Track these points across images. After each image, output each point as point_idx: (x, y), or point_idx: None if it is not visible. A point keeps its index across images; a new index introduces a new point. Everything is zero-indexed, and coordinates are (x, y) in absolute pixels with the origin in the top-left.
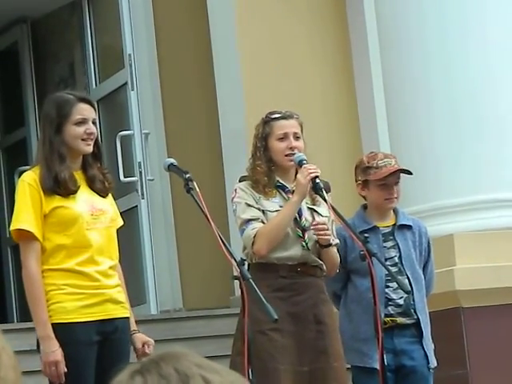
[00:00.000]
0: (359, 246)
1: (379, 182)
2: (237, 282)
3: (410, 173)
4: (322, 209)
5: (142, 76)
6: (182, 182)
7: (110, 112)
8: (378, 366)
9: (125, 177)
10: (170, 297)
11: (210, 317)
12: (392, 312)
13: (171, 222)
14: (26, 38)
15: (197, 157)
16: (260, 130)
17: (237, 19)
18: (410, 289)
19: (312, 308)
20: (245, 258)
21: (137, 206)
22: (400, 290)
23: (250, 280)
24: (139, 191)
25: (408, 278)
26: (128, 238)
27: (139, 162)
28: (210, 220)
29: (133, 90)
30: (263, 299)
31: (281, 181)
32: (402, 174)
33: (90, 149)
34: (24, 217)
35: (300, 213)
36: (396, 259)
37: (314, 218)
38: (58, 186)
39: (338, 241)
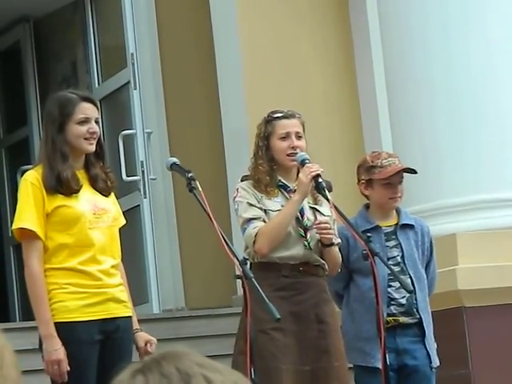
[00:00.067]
0: (362, 246)
1: (383, 181)
2: (239, 281)
3: (414, 172)
4: (324, 208)
5: (145, 75)
6: (184, 181)
7: (112, 111)
8: (380, 365)
9: (127, 176)
10: (173, 296)
11: (212, 316)
12: (394, 311)
13: (173, 221)
14: (29, 37)
15: (199, 156)
16: (262, 130)
17: (239, 18)
18: (412, 288)
19: (314, 307)
20: (247, 257)
21: (139, 205)
22: (402, 290)
23: (253, 279)
24: (141, 190)
25: (410, 277)
26: (130, 237)
27: (141, 161)
28: (213, 219)
29: (135, 89)
30: (265, 298)
31: (283, 180)
32: (404, 174)
33: (92, 148)
34: (26, 216)
35: (302, 212)
36: (398, 259)
37: (316, 218)
38: (60, 185)
39: (339, 240)
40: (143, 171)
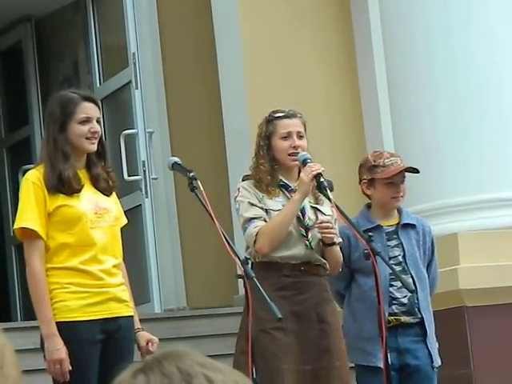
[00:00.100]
0: (363, 245)
1: (386, 180)
2: (240, 281)
3: (417, 171)
4: (326, 208)
5: (146, 75)
6: (185, 181)
7: (114, 111)
8: (381, 364)
9: (129, 175)
10: (174, 295)
11: (213, 315)
12: (396, 311)
13: (175, 221)
14: (30, 37)
15: (201, 155)
16: (263, 129)
17: (240, 18)
18: (413, 288)
19: (315, 307)
20: (248, 256)
21: (141, 205)
22: (404, 289)
23: (254, 279)
24: (143, 190)
25: (412, 276)
26: (132, 237)
27: (143, 161)
28: (214, 219)
29: (137, 88)
30: (267, 298)
31: (284, 180)
32: (406, 173)
33: (94, 147)
34: (28, 215)
35: (303, 212)
36: (400, 258)
37: (317, 217)
38: (62, 185)
39: (341, 239)
40: (145, 171)
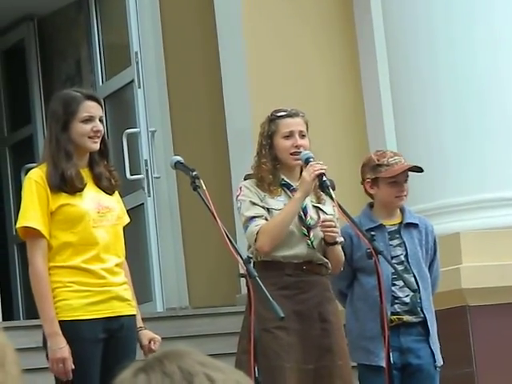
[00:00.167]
0: (365, 244)
1: (390, 179)
2: (243, 280)
3: (421, 170)
4: (327, 207)
5: (149, 74)
6: (188, 180)
7: (116, 110)
8: (384, 364)
9: (131, 174)
10: (176, 294)
11: (215, 315)
12: (398, 310)
13: (177, 220)
14: (33, 36)
15: (203, 154)
16: (265, 128)
17: (244, 18)
18: (416, 287)
19: (317, 306)
20: (251, 255)
21: (143, 204)
22: (406, 288)
23: (257, 278)
24: (145, 189)
25: (414, 276)
26: (134, 236)
27: (146, 160)
28: (217, 218)
29: (139, 87)
30: (269, 297)
31: (286, 179)
32: (408, 172)
33: (96, 146)
34: (31, 214)
35: (305, 211)
36: (402, 257)
37: (319, 217)
38: (64, 184)
39: (342, 239)
40: (147, 170)
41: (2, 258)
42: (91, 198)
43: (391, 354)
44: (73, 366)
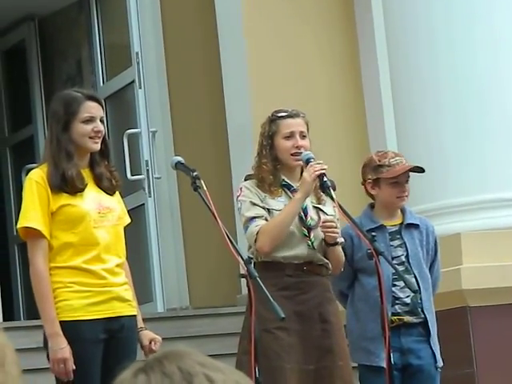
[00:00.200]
0: (366, 245)
1: (391, 180)
2: (243, 281)
3: (422, 170)
4: (328, 208)
5: (150, 74)
6: (189, 180)
7: (117, 110)
8: (384, 364)
9: (132, 175)
10: (177, 295)
11: (216, 315)
12: (399, 311)
13: (178, 220)
14: (34, 36)
15: (204, 155)
16: (266, 129)
17: (244, 17)
18: (417, 287)
19: (317, 307)
20: (251, 256)
21: (144, 204)
22: (407, 289)
23: (257, 278)
24: (146, 189)
25: (415, 276)
26: (135, 236)
27: (146, 160)
28: (217, 218)
29: (140, 88)
30: (270, 297)
31: (286, 180)
32: (409, 173)
33: (97, 147)
34: (31, 215)
35: (306, 212)
36: (403, 258)
37: (319, 217)
38: (65, 184)
39: (343, 239)
40: (148, 170)
41: (3, 258)
42: (92, 199)
43: (392, 355)
44: (74, 367)
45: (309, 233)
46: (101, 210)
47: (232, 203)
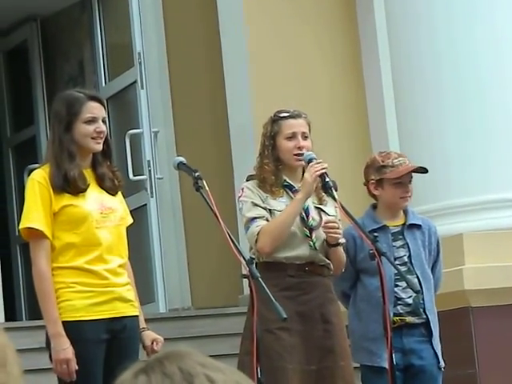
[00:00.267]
0: (368, 245)
1: (395, 180)
2: (245, 281)
3: (426, 171)
4: (329, 208)
5: (152, 74)
6: (191, 181)
7: (119, 110)
8: (386, 365)
9: (134, 175)
10: (179, 295)
11: (218, 315)
12: (401, 311)
13: (180, 221)
14: (36, 36)
15: (206, 155)
16: (268, 129)
17: (246, 18)
18: (419, 288)
19: (319, 307)
20: (253, 256)
21: (146, 205)
22: (409, 289)
23: (259, 279)
24: (148, 189)
25: (417, 277)
26: (137, 237)
27: (148, 161)
28: (219, 218)
29: (142, 88)
30: (272, 298)
31: (288, 180)
32: (412, 173)
33: (99, 147)
34: (34, 215)
35: (307, 212)
36: (405, 258)
37: (321, 218)
38: (67, 185)
39: (344, 240)
40: (150, 170)
41: (5, 258)
42: (94, 199)
43: (394, 355)
44: (76, 367)
45: (310, 233)
46: (103, 211)
47: (234, 203)
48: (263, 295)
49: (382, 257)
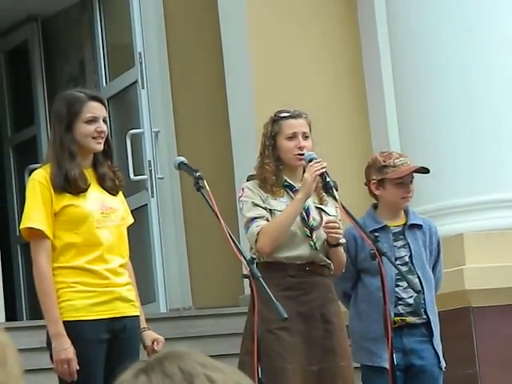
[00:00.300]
0: (369, 245)
1: (397, 180)
2: (246, 281)
3: (427, 171)
4: (330, 208)
5: (152, 74)
6: (191, 181)
7: (120, 110)
8: (387, 365)
9: (135, 175)
10: (180, 295)
11: (219, 315)
12: (402, 311)
13: (181, 221)
14: (37, 37)
15: (207, 155)
16: (269, 129)
17: (248, 18)
18: (420, 288)
19: (319, 307)
20: (254, 256)
21: (146, 205)
22: (410, 289)
23: (260, 279)
24: (149, 189)
25: (418, 277)
26: (138, 237)
27: (149, 161)
28: (220, 218)
29: (143, 88)
30: (273, 298)
31: (288, 180)
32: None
33: (100, 147)
34: (34, 215)
35: (308, 212)
36: (406, 258)
37: (321, 218)
38: (68, 184)
39: (344, 240)
40: (151, 170)
41: (6, 258)
42: (95, 199)
43: (394, 355)
44: (77, 367)
45: (311, 233)
46: (104, 211)
47: (235, 203)
48: (264, 295)
49: (383, 257)
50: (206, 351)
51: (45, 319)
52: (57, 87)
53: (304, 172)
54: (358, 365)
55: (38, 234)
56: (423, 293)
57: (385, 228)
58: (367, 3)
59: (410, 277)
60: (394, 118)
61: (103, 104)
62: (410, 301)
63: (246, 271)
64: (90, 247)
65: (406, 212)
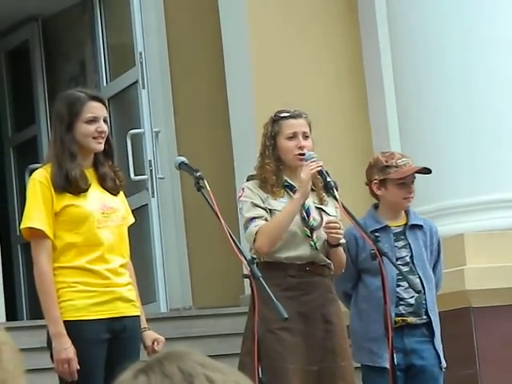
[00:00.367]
0: (370, 245)
1: (398, 181)
2: (247, 281)
3: (429, 171)
4: (330, 208)
5: (153, 74)
6: (192, 181)
7: (120, 110)
8: (387, 365)
9: (135, 175)
10: (180, 295)
11: (219, 315)
12: (403, 311)
13: (181, 221)
14: (37, 37)
15: (207, 155)
16: (269, 129)
17: (248, 17)
18: (420, 288)
19: (320, 307)
20: (255, 256)
21: (147, 205)
22: (411, 290)
23: (261, 278)
24: (149, 189)
25: (419, 277)
26: (138, 236)
27: (150, 161)
28: (221, 218)
29: (143, 88)
30: (273, 298)
31: (289, 180)
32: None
33: (100, 147)
34: (35, 215)
35: (308, 212)
36: (407, 259)
37: (322, 218)
38: (69, 184)
39: (344, 240)
40: (151, 170)
41: (6, 258)
42: (96, 199)
43: (395, 355)
44: (78, 367)
45: (311, 233)
46: (104, 211)
47: (235, 203)
48: (264, 295)
49: (384, 257)
50: (206, 351)
51: (45, 319)
52: (57, 87)
53: None
54: (359, 365)
55: (39, 234)
56: (424, 293)
57: (386, 228)
58: (368, 3)
59: (410, 277)
60: (394, 117)
61: (104, 104)
62: (412, 301)
63: (246, 271)
64: (91, 247)
65: (407, 212)
